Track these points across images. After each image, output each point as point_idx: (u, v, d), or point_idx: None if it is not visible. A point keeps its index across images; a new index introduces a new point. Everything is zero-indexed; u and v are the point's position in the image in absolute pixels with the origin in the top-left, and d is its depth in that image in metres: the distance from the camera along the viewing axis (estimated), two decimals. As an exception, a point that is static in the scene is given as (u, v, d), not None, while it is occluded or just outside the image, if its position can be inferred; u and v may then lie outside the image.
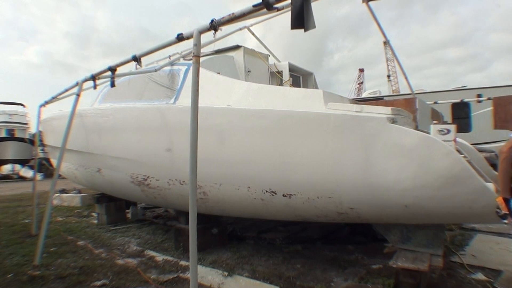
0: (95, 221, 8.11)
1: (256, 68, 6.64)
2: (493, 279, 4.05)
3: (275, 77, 7.03)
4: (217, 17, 3.13)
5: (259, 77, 6.61)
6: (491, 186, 3.15)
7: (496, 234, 5.96)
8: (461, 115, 11.90)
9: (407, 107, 4.23)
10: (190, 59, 5.36)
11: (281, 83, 6.99)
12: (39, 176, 8.16)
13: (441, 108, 8.57)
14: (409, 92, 6.62)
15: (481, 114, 11.47)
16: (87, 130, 6.60)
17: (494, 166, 5.45)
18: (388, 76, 54.92)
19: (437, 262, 3.64)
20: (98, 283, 4.26)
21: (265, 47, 7.36)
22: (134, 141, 5.58)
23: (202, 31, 3.21)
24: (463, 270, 4.33)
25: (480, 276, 4.15)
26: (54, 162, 9.10)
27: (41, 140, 9.92)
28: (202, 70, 3.43)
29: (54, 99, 7.12)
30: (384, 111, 3.48)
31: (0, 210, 10.37)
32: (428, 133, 3.58)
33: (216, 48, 6.71)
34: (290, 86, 6.97)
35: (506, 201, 3.19)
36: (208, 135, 4.03)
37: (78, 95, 5.58)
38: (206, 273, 4.44)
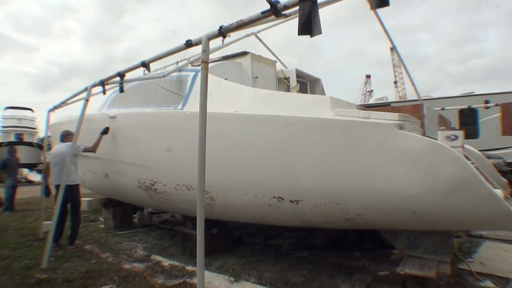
0: (102, 226, 8.15)
1: (263, 74, 6.66)
2: (502, 287, 4.02)
3: (282, 83, 7.05)
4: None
5: (266, 83, 6.63)
6: (499, 192, 3.13)
7: (505, 241, 5.91)
8: (468, 121, 11.84)
9: (414, 113, 4.22)
10: (198, 65, 5.43)
11: (288, 89, 7.01)
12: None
13: (449, 114, 8.54)
14: (416, 98, 6.61)
15: (489, 120, 11.40)
16: (95, 135, 6.65)
17: (502, 172, 5.42)
18: (395, 82, 54.85)
19: (445, 269, 3.62)
20: (105, 287, 4.28)
21: (272, 53, 7.39)
22: (142, 146, 5.62)
23: (211, 37, 3.23)
24: (471, 278, 4.30)
25: (488, 283, 4.12)
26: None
27: (49, 145, 9.99)
28: (209, 76, 3.46)
29: (63, 104, 7.18)
30: (391, 117, 3.48)
31: (8, 213, 10.45)
32: (436, 139, 3.58)
33: (223, 54, 6.76)
34: (297, 92, 6.99)
35: None
36: (215, 140, 4.05)
37: (87, 100, 5.63)
38: (213, 279, 4.45)
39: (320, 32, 2.67)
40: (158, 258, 5.45)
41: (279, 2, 2.73)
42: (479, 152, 5.39)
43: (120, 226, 7.82)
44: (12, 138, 28.71)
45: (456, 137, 3.59)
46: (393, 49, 6.72)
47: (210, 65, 4.17)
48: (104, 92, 5.57)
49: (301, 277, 4.47)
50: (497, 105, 9.04)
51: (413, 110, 4.41)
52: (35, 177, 26.00)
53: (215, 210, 4.87)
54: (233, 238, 6.06)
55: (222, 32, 3.15)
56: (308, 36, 2.69)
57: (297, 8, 2.68)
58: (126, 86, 5.44)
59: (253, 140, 4.23)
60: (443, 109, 9.47)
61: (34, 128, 30.66)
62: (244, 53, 6.62)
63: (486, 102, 10.53)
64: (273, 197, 4.16)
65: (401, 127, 3.38)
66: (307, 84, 7.91)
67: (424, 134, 3.95)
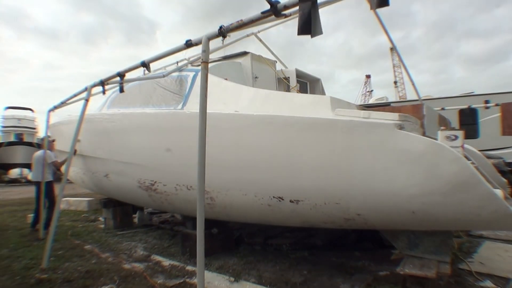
0: (102, 226, 8.15)
1: (263, 74, 6.66)
2: (502, 287, 4.01)
3: (282, 83, 7.05)
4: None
5: (266, 83, 6.63)
6: (499, 192, 3.13)
7: (504, 241, 5.91)
8: (468, 121, 11.83)
9: (414, 113, 4.21)
10: (198, 65, 5.43)
11: (288, 89, 7.01)
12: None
13: (449, 114, 8.53)
14: (416, 98, 6.60)
15: (489, 120, 11.40)
16: (95, 135, 6.65)
17: (502, 172, 5.42)
18: (395, 82, 54.82)
19: (445, 269, 3.62)
20: (105, 287, 4.28)
21: (272, 53, 7.39)
22: (142, 146, 5.61)
23: (211, 38, 3.23)
24: (471, 278, 4.29)
25: (488, 283, 4.12)
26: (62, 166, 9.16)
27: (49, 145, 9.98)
28: (210, 76, 3.45)
29: (63, 104, 7.18)
30: (391, 117, 3.47)
31: (8, 213, 10.46)
32: (436, 139, 3.57)
33: (223, 55, 6.76)
34: (297, 92, 6.99)
35: None
36: (216, 140, 4.04)
37: (87, 100, 5.63)
38: (213, 278, 4.44)
39: (320, 33, 2.67)
40: (158, 258, 5.45)
41: (279, 2, 2.73)
42: (479, 152, 5.39)
43: (120, 226, 7.84)
44: (12, 138, 28.76)
45: (456, 137, 3.59)
46: (393, 49, 6.70)
47: (210, 65, 4.17)
48: (104, 92, 5.57)
49: (301, 277, 4.47)
50: (497, 105, 9.05)
51: (413, 110, 4.41)
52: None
53: (215, 210, 4.87)
54: (233, 238, 6.05)
55: (222, 32, 3.15)
56: (309, 36, 2.69)
57: (297, 8, 2.68)
58: (126, 86, 5.44)
59: (253, 140, 4.22)
60: (443, 109, 9.48)
61: (34, 128, 30.73)
62: (244, 53, 6.62)
63: (486, 102, 10.52)
64: (273, 197, 4.16)
65: (401, 127, 3.37)
66: (307, 84, 7.91)
67: (424, 134, 3.94)
